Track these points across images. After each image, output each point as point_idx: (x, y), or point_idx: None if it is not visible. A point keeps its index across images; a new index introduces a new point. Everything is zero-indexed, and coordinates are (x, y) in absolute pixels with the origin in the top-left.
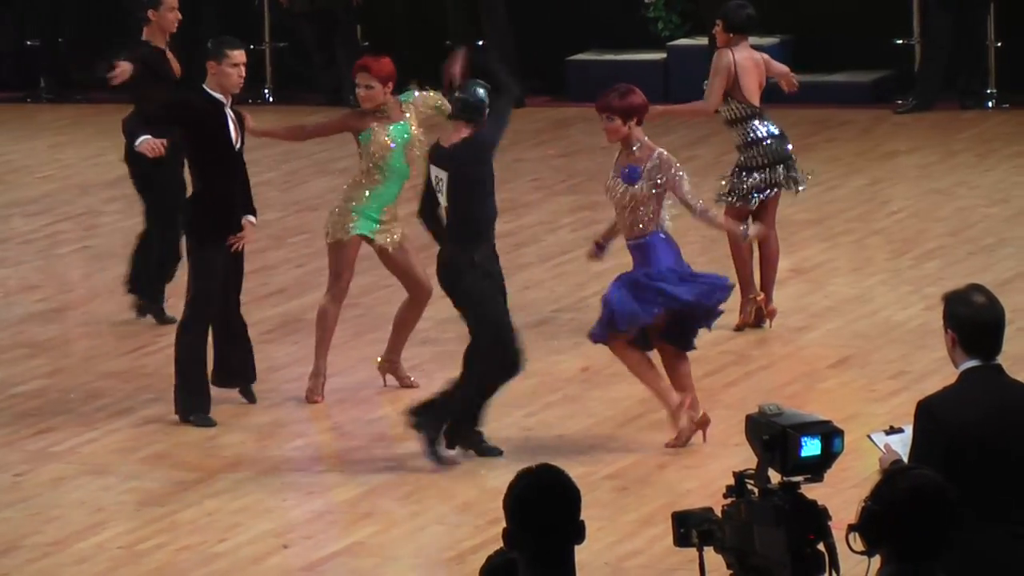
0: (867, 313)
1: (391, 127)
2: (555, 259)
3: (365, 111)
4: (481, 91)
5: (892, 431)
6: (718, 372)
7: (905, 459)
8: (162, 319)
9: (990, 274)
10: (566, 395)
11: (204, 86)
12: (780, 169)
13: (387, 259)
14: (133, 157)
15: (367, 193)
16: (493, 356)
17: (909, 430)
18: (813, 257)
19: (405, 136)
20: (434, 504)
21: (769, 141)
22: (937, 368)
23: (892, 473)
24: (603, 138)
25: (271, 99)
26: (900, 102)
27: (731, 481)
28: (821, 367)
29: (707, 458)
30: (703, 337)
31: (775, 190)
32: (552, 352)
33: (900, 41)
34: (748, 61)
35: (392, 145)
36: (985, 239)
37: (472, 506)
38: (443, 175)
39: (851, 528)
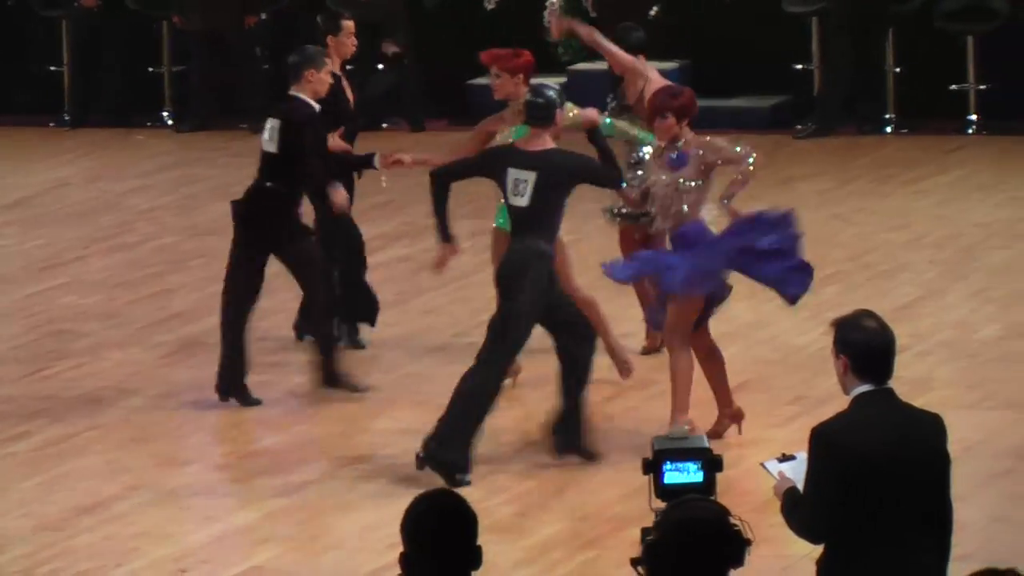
0: (766, 338)
1: (515, 128)
2: (455, 283)
3: (499, 116)
4: (551, 92)
5: (785, 458)
6: (619, 396)
7: (800, 486)
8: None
9: (889, 299)
10: None
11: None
12: None
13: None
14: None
15: None
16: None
17: (802, 457)
18: None
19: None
20: (333, 528)
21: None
22: (836, 393)
23: (671, 505)
24: None
25: (170, 122)
26: (799, 127)
27: (625, 506)
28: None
29: (604, 484)
30: (605, 360)
31: None
32: (453, 377)
33: (799, 66)
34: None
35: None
36: (883, 264)
37: (371, 530)
38: (529, 176)
39: (633, 561)
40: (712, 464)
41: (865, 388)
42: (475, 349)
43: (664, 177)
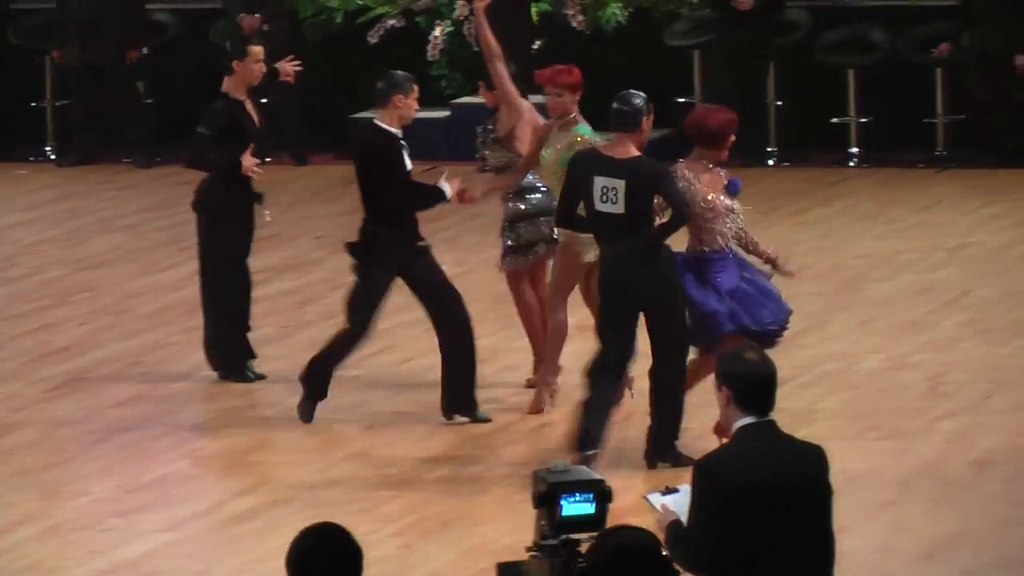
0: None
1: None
2: (338, 317)
3: (550, 124)
4: (637, 100)
5: (668, 491)
6: (503, 430)
7: (683, 519)
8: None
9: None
10: (351, 452)
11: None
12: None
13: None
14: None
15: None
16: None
17: (685, 489)
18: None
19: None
20: (220, 562)
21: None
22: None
23: (604, 532)
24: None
25: (53, 157)
26: (682, 161)
27: (512, 538)
28: None
29: (491, 515)
30: (491, 392)
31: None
32: (337, 410)
33: (682, 100)
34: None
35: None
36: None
37: (257, 564)
38: (618, 184)
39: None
40: (604, 496)
41: (748, 420)
42: (359, 383)
43: (723, 200)
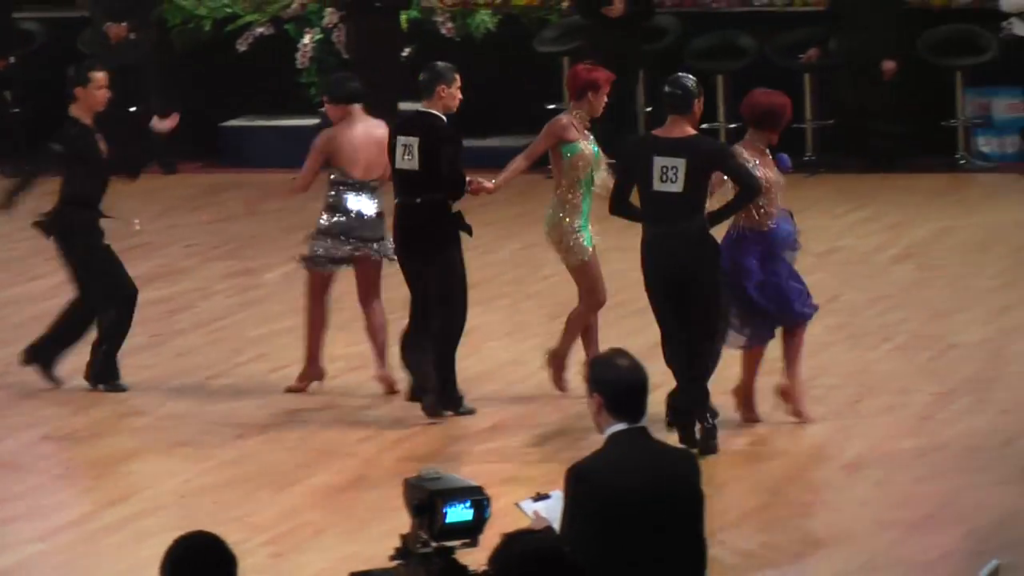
0: (522, 377)
1: (592, 142)
2: (209, 325)
3: (571, 123)
4: (688, 82)
5: (540, 497)
6: (375, 436)
7: (556, 525)
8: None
9: (641, 337)
10: (222, 461)
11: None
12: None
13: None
14: None
15: (583, 210)
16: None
17: (556, 496)
18: (469, 320)
19: (595, 151)
20: (89, 573)
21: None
22: (592, 430)
23: (509, 537)
24: (263, 203)
25: None
26: (551, 167)
27: (389, 545)
28: (475, 431)
29: (364, 523)
30: (361, 401)
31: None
32: (207, 419)
33: (551, 106)
34: (360, 134)
35: (592, 160)
36: (637, 303)
37: (131, 573)
38: (679, 163)
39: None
40: (482, 503)
41: (619, 427)
42: (230, 391)
43: (776, 174)
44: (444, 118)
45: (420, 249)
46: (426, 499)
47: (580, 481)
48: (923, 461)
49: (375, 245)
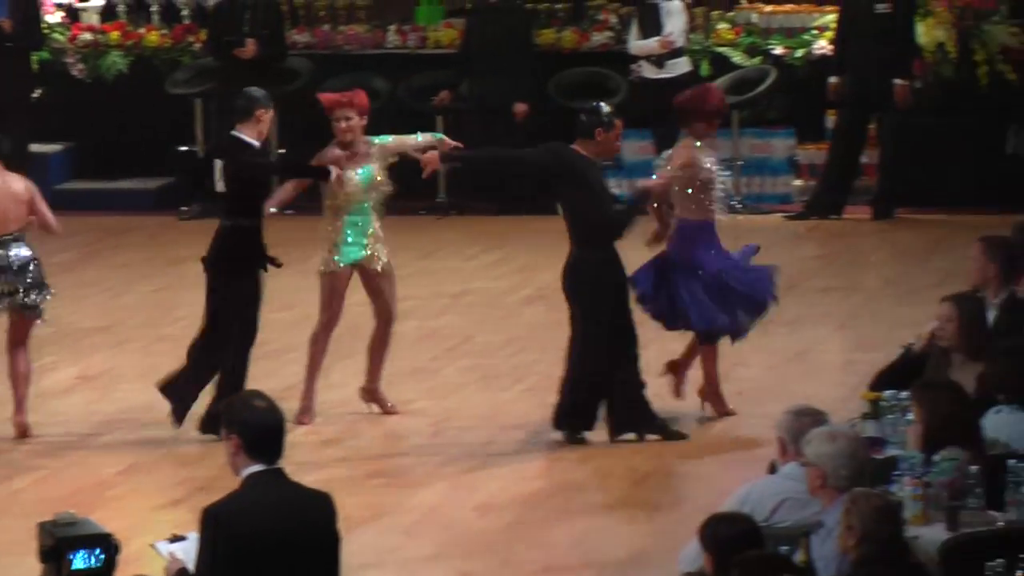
0: (155, 419)
1: (360, 170)
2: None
3: (336, 150)
4: (599, 104)
5: (176, 539)
6: (14, 476)
7: (191, 566)
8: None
9: (276, 379)
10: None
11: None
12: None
13: (371, 280)
14: None
15: (339, 224)
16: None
17: (192, 537)
18: (100, 364)
19: (368, 179)
20: None
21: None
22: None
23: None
24: None
25: None
26: (184, 209)
27: None
28: (110, 474)
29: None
30: None
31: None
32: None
33: (184, 148)
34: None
35: (357, 187)
36: (272, 343)
37: None
38: None
39: None
40: (111, 549)
41: (256, 468)
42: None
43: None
44: (255, 143)
45: (223, 269)
46: (54, 545)
47: (214, 523)
48: (553, 502)
49: (20, 296)
